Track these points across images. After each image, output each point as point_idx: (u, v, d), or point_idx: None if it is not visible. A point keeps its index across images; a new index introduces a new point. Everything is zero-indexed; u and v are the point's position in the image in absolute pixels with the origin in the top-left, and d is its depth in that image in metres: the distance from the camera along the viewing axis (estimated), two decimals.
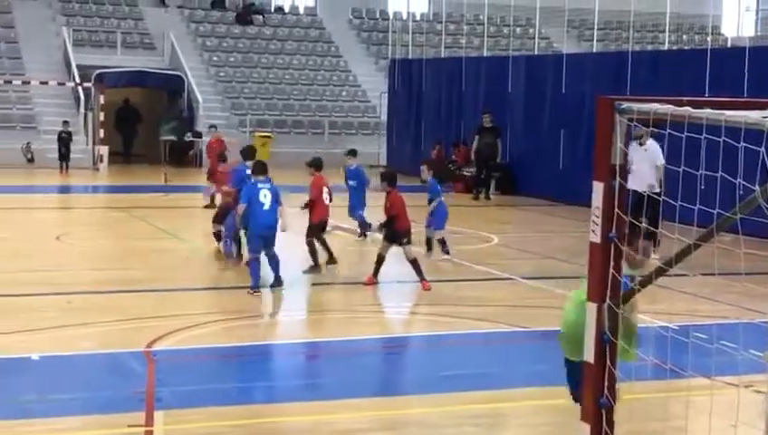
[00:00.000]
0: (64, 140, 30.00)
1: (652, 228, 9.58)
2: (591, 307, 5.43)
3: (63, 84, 33.90)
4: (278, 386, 9.75)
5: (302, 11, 42.28)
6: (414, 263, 13.57)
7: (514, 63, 27.89)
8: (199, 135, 32.58)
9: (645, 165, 15.37)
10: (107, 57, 35.72)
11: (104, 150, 31.01)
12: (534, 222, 22.13)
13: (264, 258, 13.20)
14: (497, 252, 17.62)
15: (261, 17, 40.45)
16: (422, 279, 13.52)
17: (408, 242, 13.63)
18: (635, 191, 13.23)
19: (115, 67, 34.39)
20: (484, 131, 25.71)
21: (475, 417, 8.49)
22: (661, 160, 15.44)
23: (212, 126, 26.55)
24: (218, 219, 15.18)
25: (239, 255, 14.70)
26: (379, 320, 12.93)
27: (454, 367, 10.10)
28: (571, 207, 21.04)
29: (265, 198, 12.93)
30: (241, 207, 13.23)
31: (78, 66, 34.06)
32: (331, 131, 35.68)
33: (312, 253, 14.38)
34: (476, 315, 12.25)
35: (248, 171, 14.12)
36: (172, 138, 33.65)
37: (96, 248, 14.16)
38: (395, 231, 13.59)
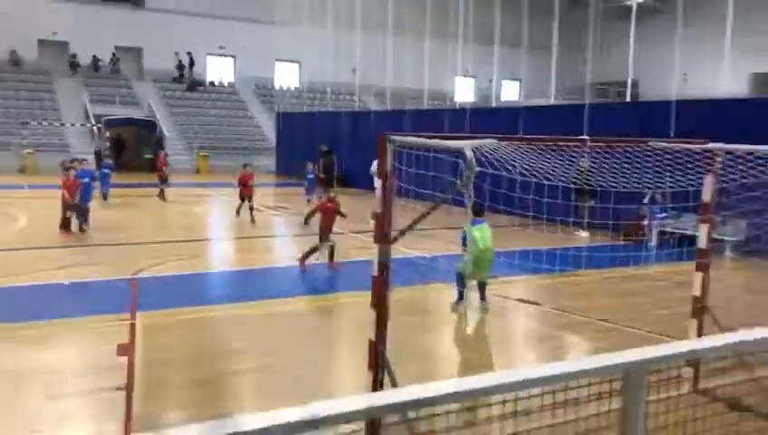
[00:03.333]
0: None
1: None
2: None
3: (84, 125, 67.58)
4: None
5: (226, 84, 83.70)
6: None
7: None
8: (157, 150, 57.98)
9: None
10: (111, 109, 70.53)
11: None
12: None
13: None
14: None
15: (202, 87, 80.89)
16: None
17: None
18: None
19: (115, 115, 67.76)
20: None
21: None
22: None
23: (246, 164, 36.28)
24: None
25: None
26: None
27: None
28: None
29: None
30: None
31: (94, 115, 68.04)
32: (244, 152, 70.72)
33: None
34: None
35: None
36: (149, 156, 68.21)
37: None
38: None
